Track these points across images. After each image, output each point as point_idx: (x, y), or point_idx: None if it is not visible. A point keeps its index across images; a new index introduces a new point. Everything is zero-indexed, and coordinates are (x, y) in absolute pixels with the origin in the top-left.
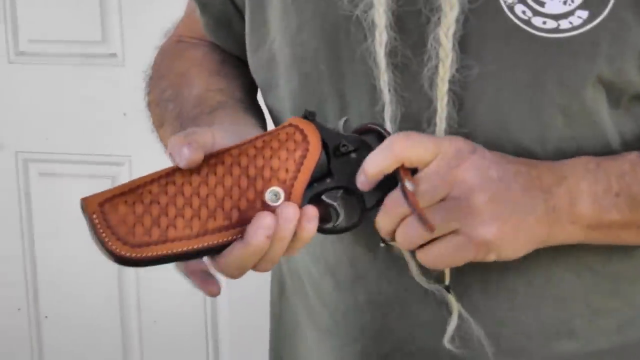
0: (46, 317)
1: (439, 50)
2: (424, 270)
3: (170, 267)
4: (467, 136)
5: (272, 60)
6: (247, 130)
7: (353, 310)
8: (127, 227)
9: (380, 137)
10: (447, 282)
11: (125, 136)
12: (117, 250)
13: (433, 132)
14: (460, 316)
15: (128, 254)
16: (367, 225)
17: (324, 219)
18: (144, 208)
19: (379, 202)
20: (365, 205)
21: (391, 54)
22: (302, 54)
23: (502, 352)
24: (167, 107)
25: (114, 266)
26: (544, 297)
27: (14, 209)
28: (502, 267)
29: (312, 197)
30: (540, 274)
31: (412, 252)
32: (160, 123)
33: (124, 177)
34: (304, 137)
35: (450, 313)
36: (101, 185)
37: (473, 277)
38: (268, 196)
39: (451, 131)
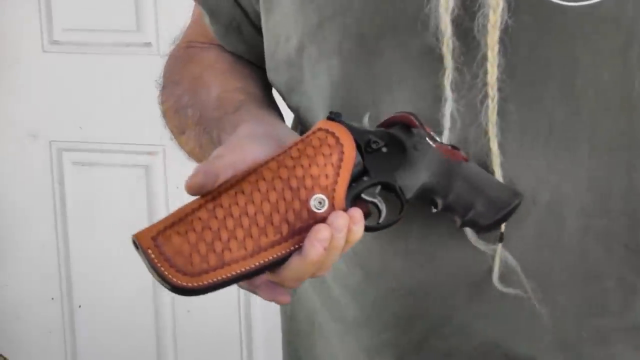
0: (80, 306)
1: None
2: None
3: None
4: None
5: (292, 59)
6: (274, 129)
7: (384, 299)
8: (184, 257)
9: (405, 127)
10: (502, 235)
11: (159, 125)
12: (179, 282)
13: (484, 83)
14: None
15: (190, 284)
16: None
17: (366, 217)
18: (197, 236)
19: (419, 192)
20: (405, 196)
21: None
22: (328, 51)
23: (535, 328)
24: (186, 113)
25: None
26: (576, 273)
27: (48, 199)
28: (537, 243)
29: (353, 197)
30: (573, 250)
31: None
32: (181, 130)
33: (158, 166)
34: (337, 139)
35: (483, 290)
36: (135, 175)
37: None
38: (313, 204)
39: (501, 78)
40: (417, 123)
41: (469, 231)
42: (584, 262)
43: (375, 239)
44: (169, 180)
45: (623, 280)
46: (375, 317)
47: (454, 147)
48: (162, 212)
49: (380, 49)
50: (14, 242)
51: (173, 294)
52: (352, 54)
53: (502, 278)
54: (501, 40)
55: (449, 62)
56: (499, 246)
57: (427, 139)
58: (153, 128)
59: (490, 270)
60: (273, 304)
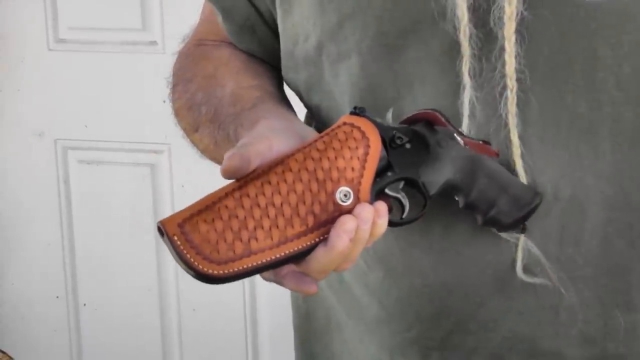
0: (84, 304)
1: None
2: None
3: None
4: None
5: (311, 58)
6: (295, 126)
7: (407, 297)
8: (211, 244)
9: (429, 125)
10: (524, 226)
11: (164, 124)
12: (205, 269)
13: (502, 75)
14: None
15: (216, 272)
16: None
17: (390, 212)
18: (223, 224)
19: (442, 189)
20: (429, 192)
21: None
22: (347, 50)
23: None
24: (200, 110)
25: (153, 254)
26: (600, 267)
27: (53, 197)
28: (559, 238)
29: (377, 192)
30: (595, 243)
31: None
32: (195, 128)
33: (164, 164)
34: (363, 133)
35: (507, 285)
36: (140, 173)
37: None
38: (339, 197)
39: (519, 69)
40: (442, 119)
41: (519, 259)
42: (607, 256)
43: (397, 238)
44: (174, 179)
45: None
46: (398, 316)
47: (485, 142)
48: (167, 211)
49: (400, 47)
50: (19, 241)
51: (178, 292)
52: (373, 52)
53: (526, 269)
54: (519, 33)
55: (466, 49)
56: (522, 237)
57: (455, 134)
58: (158, 126)
59: (513, 263)
60: (278, 302)
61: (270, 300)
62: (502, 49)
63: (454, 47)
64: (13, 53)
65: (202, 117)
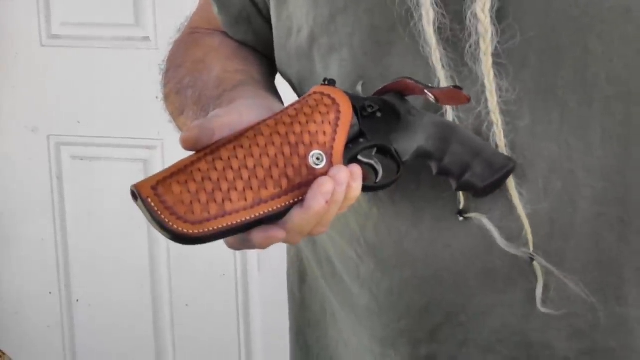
0: (77, 300)
1: (478, 26)
2: (508, 237)
3: (202, 250)
4: (515, 101)
5: (303, 51)
6: (270, 104)
7: (397, 289)
8: (185, 205)
9: (399, 95)
10: (531, 249)
11: (157, 120)
12: (180, 229)
13: (486, 107)
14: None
15: (191, 231)
16: (411, 202)
17: (364, 179)
18: (197, 185)
19: (414, 155)
20: (401, 159)
21: (440, 30)
22: (339, 43)
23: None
24: (186, 93)
25: (146, 250)
26: (590, 261)
27: (46, 193)
28: (550, 231)
29: (350, 158)
30: (585, 238)
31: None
32: (180, 111)
33: (157, 160)
34: (333, 100)
35: (498, 276)
36: (133, 169)
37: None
38: (312, 160)
39: (502, 101)
40: (410, 83)
41: (497, 236)
42: (597, 250)
43: (389, 229)
44: None
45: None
46: (388, 307)
47: (455, 87)
48: None
49: (391, 41)
50: (12, 237)
51: (170, 287)
52: (364, 46)
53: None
54: (510, 28)
55: (440, 72)
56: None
57: (425, 90)
58: (152, 122)
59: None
60: (271, 297)
61: (263, 296)
62: (483, 85)
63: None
64: (6, 49)
65: (187, 100)
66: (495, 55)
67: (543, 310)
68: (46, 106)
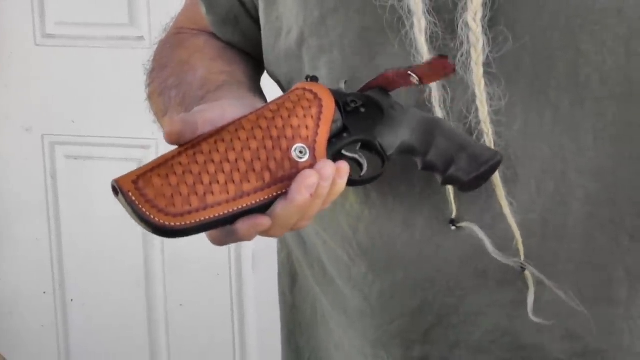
0: (72, 300)
1: (469, 35)
2: (498, 246)
3: (196, 250)
4: (507, 105)
5: (292, 52)
6: (254, 103)
7: (389, 291)
8: (166, 198)
9: (382, 91)
10: (522, 258)
11: (152, 119)
12: (161, 222)
13: (476, 117)
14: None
15: (172, 224)
16: (403, 204)
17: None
18: (178, 179)
19: (399, 150)
20: (386, 153)
21: (431, 39)
22: (329, 44)
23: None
24: (170, 94)
25: (141, 249)
26: (582, 262)
27: (41, 192)
28: (542, 232)
29: (334, 153)
30: (578, 239)
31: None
32: (164, 112)
33: (151, 160)
34: (315, 95)
35: (490, 278)
36: (128, 169)
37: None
38: (294, 154)
39: (493, 110)
40: (391, 74)
41: (489, 246)
42: (589, 251)
43: (380, 231)
44: None
45: (630, 271)
46: (381, 309)
47: (440, 56)
48: None
49: (382, 43)
50: (7, 236)
51: (165, 287)
52: (354, 47)
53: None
54: (502, 35)
55: (433, 84)
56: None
57: (408, 72)
58: (146, 122)
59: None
60: (265, 297)
61: (257, 295)
62: (473, 94)
63: None
64: (0, 48)
65: (171, 100)
66: (487, 64)
67: (535, 319)
68: (40, 106)
